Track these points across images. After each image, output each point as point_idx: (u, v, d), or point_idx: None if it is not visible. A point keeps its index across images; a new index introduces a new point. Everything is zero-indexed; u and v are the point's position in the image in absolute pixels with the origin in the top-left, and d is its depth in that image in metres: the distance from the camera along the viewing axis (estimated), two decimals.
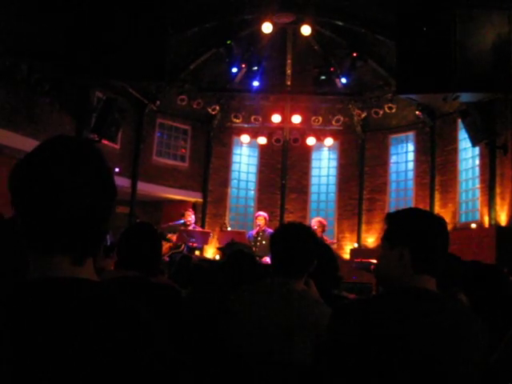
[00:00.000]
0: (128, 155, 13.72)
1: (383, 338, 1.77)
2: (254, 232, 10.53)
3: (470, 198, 12.36)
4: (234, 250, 5.90)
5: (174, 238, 10.28)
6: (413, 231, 1.94)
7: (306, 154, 15.51)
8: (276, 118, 14.23)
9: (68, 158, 1.15)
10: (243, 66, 13.28)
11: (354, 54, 12.54)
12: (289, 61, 14.15)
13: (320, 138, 14.59)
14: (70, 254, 1.13)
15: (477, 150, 11.79)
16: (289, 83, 14.50)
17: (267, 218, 10.66)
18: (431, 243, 1.92)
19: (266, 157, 15.66)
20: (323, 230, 10.21)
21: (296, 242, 2.73)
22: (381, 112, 13.62)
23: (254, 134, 14.74)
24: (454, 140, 12.92)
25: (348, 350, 1.80)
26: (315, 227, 9.83)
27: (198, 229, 11.34)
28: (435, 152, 13.39)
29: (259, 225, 10.45)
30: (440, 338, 1.78)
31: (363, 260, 9.98)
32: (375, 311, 1.84)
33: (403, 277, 1.91)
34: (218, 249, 10.31)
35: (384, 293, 1.95)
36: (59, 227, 1.10)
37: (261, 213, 10.92)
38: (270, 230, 9.72)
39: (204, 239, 10.78)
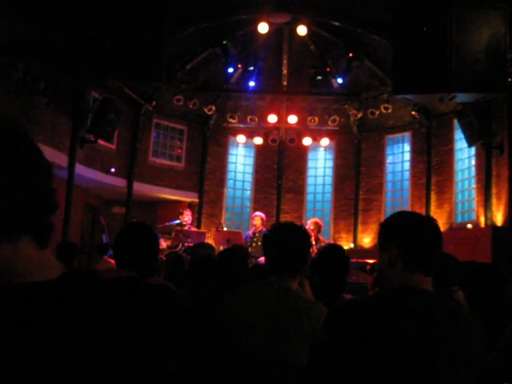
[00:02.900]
0: (124, 155, 13.71)
1: (373, 336, 1.78)
2: (250, 232, 10.52)
3: (466, 199, 12.39)
4: (199, 251, 5.86)
5: (163, 245, 10.12)
6: (398, 230, 1.98)
7: (302, 154, 15.52)
8: (272, 118, 14.23)
9: None
10: (239, 66, 13.29)
11: (350, 54, 12.55)
12: (285, 61, 14.15)
13: (316, 138, 14.61)
14: None
15: (473, 150, 11.81)
16: (285, 83, 14.51)
17: (264, 219, 10.63)
18: (418, 240, 1.94)
19: (262, 157, 15.66)
20: (319, 231, 10.19)
21: (288, 241, 2.74)
22: (377, 112, 13.63)
23: (250, 134, 14.75)
24: (450, 140, 12.94)
25: (341, 349, 1.81)
26: (311, 228, 9.83)
27: (194, 229, 11.33)
28: (431, 152, 13.42)
29: (255, 225, 10.45)
30: (426, 335, 1.79)
31: (359, 260, 9.99)
32: (367, 311, 1.86)
33: (395, 276, 1.94)
34: (185, 251, 10.14)
35: (377, 293, 1.98)
36: None
37: (258, 213, 10.90)
38: (266, 231, 9.68)
39: (200, 239, 10.75)
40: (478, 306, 2.77)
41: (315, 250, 8.72)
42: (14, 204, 1.06)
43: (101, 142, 11.98)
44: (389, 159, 14.86)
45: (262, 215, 10.70)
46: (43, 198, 1.12)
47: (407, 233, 1.96)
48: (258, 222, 10.45)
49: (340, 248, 4.00)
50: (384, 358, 1.74)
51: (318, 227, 10.14)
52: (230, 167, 15.75)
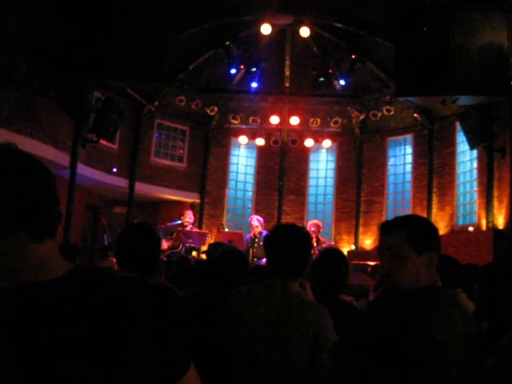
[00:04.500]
0: (126, 155, 13.71)
1: (421, 333, 1.80)
2: (251, 234, 10.55)
3: (467, 201, 12.37)
4: (221, 251, 5.87)
5: (164, 246, 10.13)
6: (436, 236, 2.09)
7: (303, 155, 15.51)
8: (274, 120, 14.22)
9: None
10: (242, 67, 13.28)
11: (353, 56, 12.55)
12: (287, 62, 14.15)
13: (318, 140, 14.59)
14: None
15: (475, 152, 11.80)
16: (287, 85, 14.50)
17: (261, 221, 10.68)
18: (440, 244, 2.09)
19: (264, 158, 15.66)
20: (319, 232, 10.23)
21: (290, 243, 2.73)
22: (379, 114, 13.62)
23: (252, 136, 14.74)
24: (452, 143, 12.92)
25: (392, 345, 1.81)
26: (312, 229, 9.87)
27: (196, 230, 11.33)
28: (433, 155, 13.40)
29: (255, 226, 10.49)
30: (460, 329, 1.87)
31: (360, 262, 9.99)
32: (420, 308, 1.89)
33: (431, 279, 2.01)
34: (203, 252, 10.27)
35: (417, 291, 1.99)
36: None
37: (254, 216, 11.03)
38: (267, 233, 9.72)
39: (201, 240, 10.77)
40: (485, 308, 2.78)
41: (316, 252, 8.74)
42: (6, 203, 1.09)
43: (103, 141, 11.98)
44: (391, 161, 14.84)
45: (259, 218, 10.78)
46: (36, 199, 1.13)
47: (439, 239, 2.09)
48: (255, 223, 10.52)
49: (338, 251, 4.02)
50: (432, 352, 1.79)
51: (318, 229, 10.20)
52: (232, 168, 15.74)
